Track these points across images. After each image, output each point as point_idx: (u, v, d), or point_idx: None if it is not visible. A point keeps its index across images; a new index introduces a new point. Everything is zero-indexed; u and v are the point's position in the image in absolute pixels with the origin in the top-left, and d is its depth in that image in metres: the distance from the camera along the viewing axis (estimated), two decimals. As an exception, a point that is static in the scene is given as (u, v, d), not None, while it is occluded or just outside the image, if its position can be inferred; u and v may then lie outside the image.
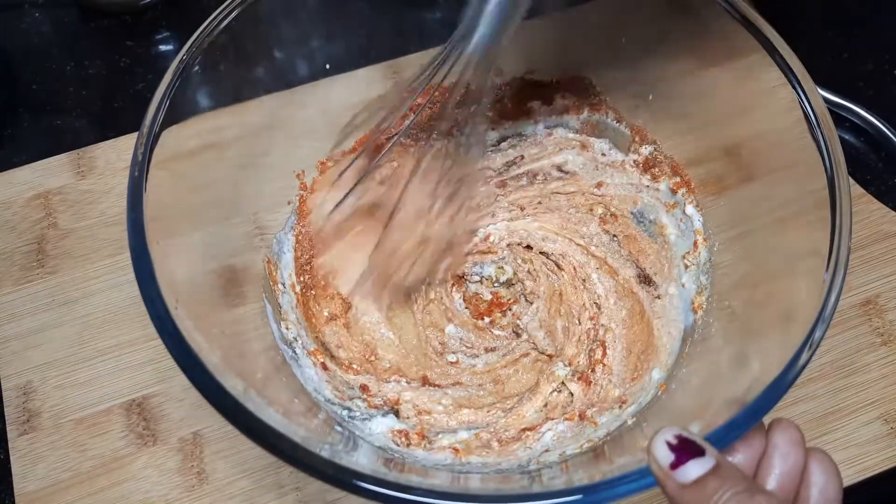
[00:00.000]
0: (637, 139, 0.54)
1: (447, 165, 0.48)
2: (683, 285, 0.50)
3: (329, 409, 0.45)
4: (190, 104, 0.43)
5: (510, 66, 0.55)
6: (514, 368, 0.49)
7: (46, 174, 0.56)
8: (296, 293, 0.50)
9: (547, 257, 0.52)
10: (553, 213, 0.54)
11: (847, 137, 0.58)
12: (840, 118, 0.58)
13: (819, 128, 0.40)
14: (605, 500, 0.32)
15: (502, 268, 0.52)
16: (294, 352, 0.47)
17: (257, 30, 0.47)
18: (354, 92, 0.54)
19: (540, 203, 0.54)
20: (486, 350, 0.50)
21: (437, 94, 0.48)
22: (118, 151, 0.57)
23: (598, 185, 0.54)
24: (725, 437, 0.32)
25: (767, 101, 0.44)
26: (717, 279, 0.48)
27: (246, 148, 0.49)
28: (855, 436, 0.47)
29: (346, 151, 0.54)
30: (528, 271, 0.52)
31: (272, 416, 0.34)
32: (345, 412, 0.45)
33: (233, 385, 0.35)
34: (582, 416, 0.45)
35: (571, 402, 0.47)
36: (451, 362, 0.49)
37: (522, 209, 0.54)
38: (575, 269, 0.52)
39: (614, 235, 0.52)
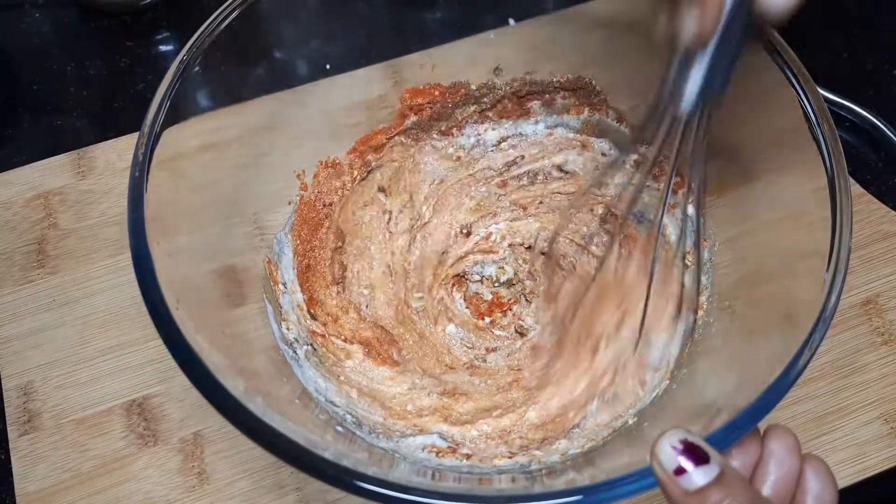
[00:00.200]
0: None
1: None
2: (684, 285, 0.50)
3: (330, 409, 0.45)
4: (190, 104, 0.43)
5: (510, 66, 0.55)
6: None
7: (47, 174, 0.56)
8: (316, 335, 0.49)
9: (547, 257, 0.52)
10: (554, 213, 0.54)
11: (847, 137, 0.58)
12: (840, 118, 0.58)
13: (819, 127, 0.40)
14: (606, 500, 0.32)
15: (503, 268, 0.53)
16: (295, 352, 0.47)
17: (258, 30, 0.47)
18: (355, 92, 0.54)
19: (541, 203, 0.54)
20: (488, 350, 0.50)
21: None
22: (118, 151, 0.57)
23: (599, 185, 0.54)
24: (726, 438, 0.32)
25: (767, 101, 0.44)
26: (718, 279, 0.48)
27: (246, 148, 0.49)
28: (855, 435, 0.47)
29: (348, 151, 0.54)
30: (529, 271, 0.52)
31: (273, 417, 0.34)
32: (347, 415, 0.45)
33: (233, 385, 0.35)
34: None
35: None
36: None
37: (524, 209, 0.54)
38: (574, 268, 0.52)
39: (615, 235, 0.52)
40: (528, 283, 0.52)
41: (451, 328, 0.50)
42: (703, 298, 0.48)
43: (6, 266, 0.53)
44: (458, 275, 0.53)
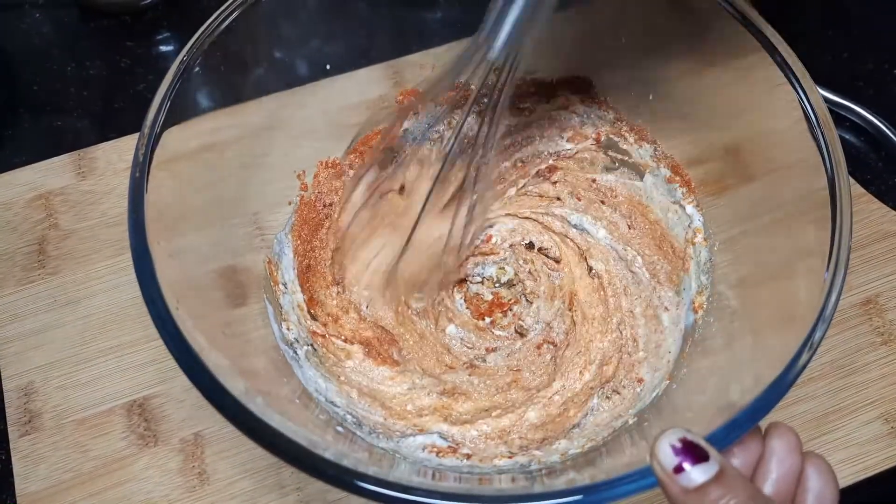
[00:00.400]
0: (637, 139, 0.54)
1: (464, 174, 0.47)
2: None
3: (330, 409, 0.45)
4: (191, 105, 0.43)
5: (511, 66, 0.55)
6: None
7: (47, 175, 0.56)
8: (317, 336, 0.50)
9: (547, 256, 0.52)
10: (553, 216, 0.54)
11: (847, 137, 0.58)
12: (840, 118, 0.59)
13: (819, 127, 0.40)
14: (606, 499, 0.32)
15: (503, 268, 0.53)
16: (295, 352, 0.47)
17: (258, 30, 0.47)
18: (354, 92, 0.54)
19: (541, 203, 0.54)
20: (488, 350, 0.50)
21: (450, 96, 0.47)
22: (119, 152, 0.57)
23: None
24: (726, 438, 0.32)
25: (767, 100, 0.44)
26: (718, 279, 0.48)
27: (246, 148, 0.49)
28: (855, 435, 0.47)
29: (349, 152, 0.54)
30: (529, 271, 0.52)
31: (273, 417, 0.35)
32: (347, 415, 0.45)
33: (234, 385, 0.35)
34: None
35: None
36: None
37: (523, 208, 0.54)
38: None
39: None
40: (528, 283, 0.52)
41: (451, 328, 0.50)
42: (703, 298, 0.48)
43: (7, 266, 0.53)
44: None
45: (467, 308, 0.52)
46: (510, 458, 0.44)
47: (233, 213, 0.48)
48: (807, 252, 0.38)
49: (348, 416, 0.45)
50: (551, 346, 0.49)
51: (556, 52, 0.54)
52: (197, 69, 0.43)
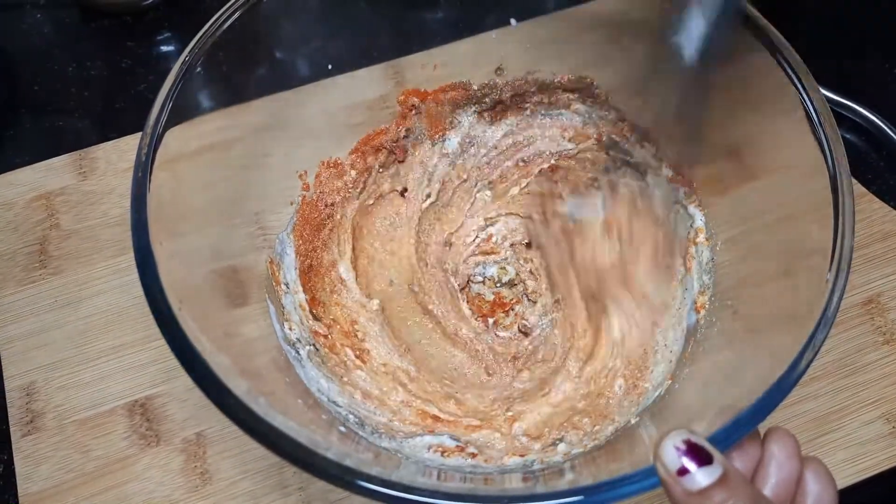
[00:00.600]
0: (639, 139, 0.54)
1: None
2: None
3: (333, 409, 0.45)
4: (192, 105, 0.43)
5: (512, 66, 0.55)
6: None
7: (48, 175, 0.56)
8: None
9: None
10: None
11: (848, 136, 0.58)
12: (841, 117, 0.59)
13: (821, 127, 0.40)
14: (608, 500, 0.31)
15: (504, 268, 0.53)
16: (297, 352, 0.47)
17: (259, 30, 0.47)
18: (356, 92, 0.54)
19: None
20: (493, 351, 0.50)
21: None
22: (120, 152, 0.57)
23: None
24: (728, 438, 0.32)
25: (769, 100, 0.44)
26: (720, 279, 0.48)
27: (248, 148, 0.49)
28: (856, 435, 0.47)
29: (349, 151, 0.54)
30: (530, 271, 0.52)
31: (275, 417, 0.34)
32: (350, 415, 0.45)
33: (236, 385, 0.35)
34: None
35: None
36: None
37: (525, 209, 0.54)
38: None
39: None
40: (529, 283, 0.52)
41: (460, 330, 0.50)
42: (704, 298, 0.48)
43: (8, 267, 0.53)
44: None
45: (469, 308, 0.52)
46: (514, 457, 0.44)
47: (235, 213, 0.48)
48: (809, 252, 0.38)
49: (351, 416, 0.45)
50: (552, 346, 0.49)
51: (558, 51, 0.54)
52: (199, 69, 0.43)
